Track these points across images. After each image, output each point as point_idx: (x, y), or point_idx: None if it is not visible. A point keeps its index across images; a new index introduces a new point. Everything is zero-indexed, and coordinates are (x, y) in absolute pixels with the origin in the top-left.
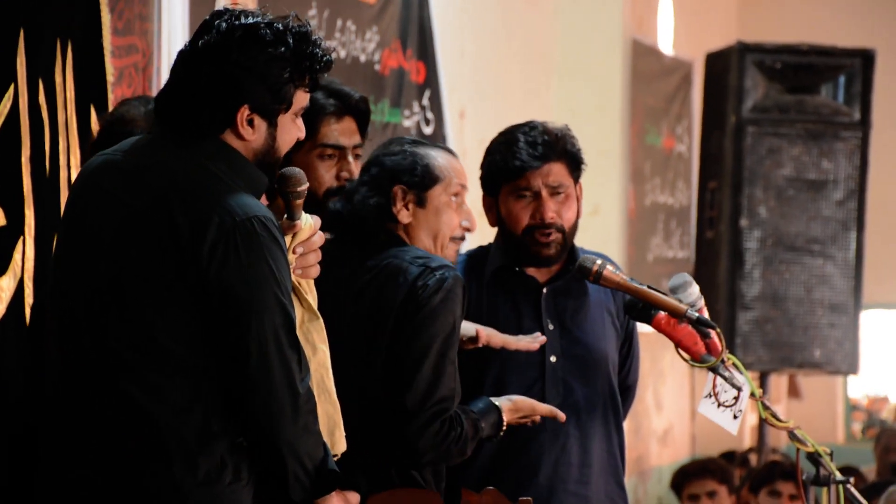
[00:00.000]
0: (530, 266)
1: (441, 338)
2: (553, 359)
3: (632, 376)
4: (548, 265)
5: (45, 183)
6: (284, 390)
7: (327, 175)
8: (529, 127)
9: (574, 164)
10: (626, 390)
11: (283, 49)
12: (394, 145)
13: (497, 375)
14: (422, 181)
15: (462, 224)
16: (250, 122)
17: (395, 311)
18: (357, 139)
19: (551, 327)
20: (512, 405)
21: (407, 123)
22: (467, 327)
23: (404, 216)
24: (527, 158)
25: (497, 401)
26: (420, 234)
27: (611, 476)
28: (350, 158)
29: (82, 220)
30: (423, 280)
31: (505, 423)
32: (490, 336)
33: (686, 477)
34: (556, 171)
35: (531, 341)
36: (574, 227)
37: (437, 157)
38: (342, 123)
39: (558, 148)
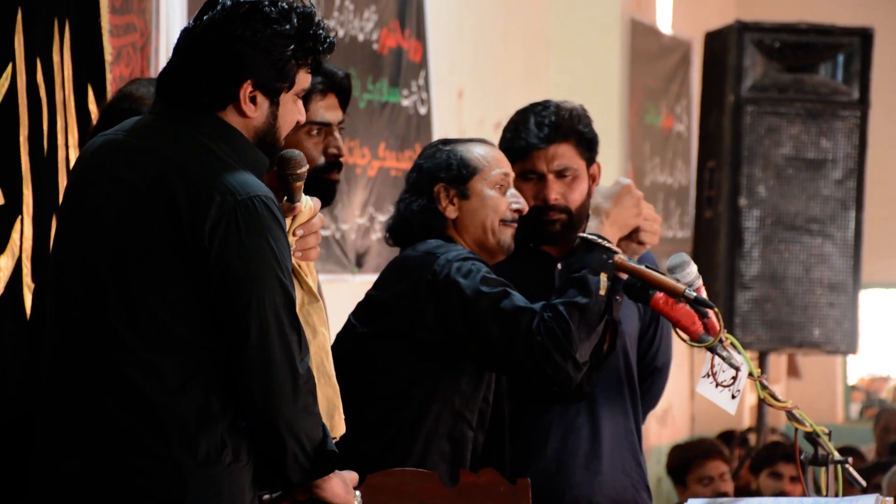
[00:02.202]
0: (540, 243)
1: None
2: None
3: (661, 357)
4: (554, 243)
5: (44, 162)
6: (284, 370)
7: (315, 151)
8: (543, 106)
9: (584, 144)
10: (655, 372)
11: (287, 27)
12: (428, 149)
13: None
14: (460, 174)
15: (512, 206)
16: (253, 100)
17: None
18: (340, 115)
19: None
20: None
21: (406, 103)
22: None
23: (451, 211)
24: (532, 140)
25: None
26: (469, 226)
27: (626, 452)
28: (336, 134)
29: (83, 200)
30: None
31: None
32: None
33: (691, 460)
34: (562, 153)
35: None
36: (583, 207)
37: (471, 148)
38: (327, 100)
39: (565, 128)
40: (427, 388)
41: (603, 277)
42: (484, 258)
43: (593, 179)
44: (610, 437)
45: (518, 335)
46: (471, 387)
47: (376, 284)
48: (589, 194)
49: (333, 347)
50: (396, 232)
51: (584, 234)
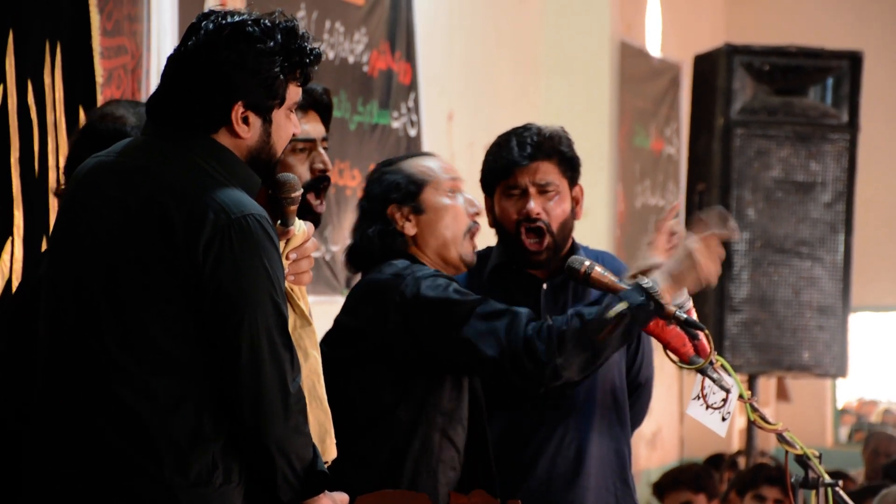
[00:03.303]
0: (525, 266)
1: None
2: None
3: (643, 373)
4: (540, 268)
5: (34, 184)
6: (276, 389)
7: (301, 168)
8: (524, 128)
9: (566, 163)
10: (639, 388)
11: (271, 44)
12: (374, 174)
13: None
14: (409, 190)
15: (469, 210)
16: (245, 120)
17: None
18: (323, 131)
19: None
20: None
21: (395, 125)
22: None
23: (409, 228)
24: (515, 157)
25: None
26: (430, 239)
27: (615, 472)
28: (320, 149)
29: (76, 221)
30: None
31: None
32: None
33: (662, 489)
34: (545, 169)
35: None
36: (565, 226)
37: (414, 163)
38: (308, 117)
39: (547, 147)
40: (411, 411)
41: (622, 305)
42: (449, 272)
43: (576, 202)
44: (597, 457)
45: (499, 333)
46: (453, 404)
47: (345, 309)
48: (572, 216)
49: None
50: (356, 258)
51: (570, 262)
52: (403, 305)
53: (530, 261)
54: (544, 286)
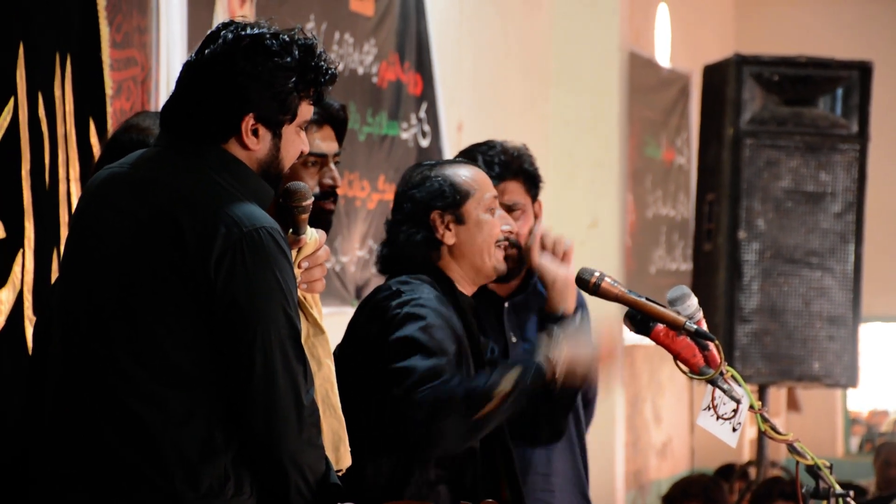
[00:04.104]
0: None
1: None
2: None
3: (591, 391)
4: (503, 281)
5: (45, 196)
6: (289, 402)
7: (311, 182)
8: (488, 146)
9: (531, 182)
10: (586, 405)
11: (288, 59)
12: (415, 175)
13: None
14: (454, 200)
15: (503, 228)
16: (255, 132)
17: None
18: (336, 147)
19: (514, 340)
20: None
21: (405, 136)
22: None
23: (448, 237)
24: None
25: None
26: (466, 251)
27: (575, 487)
28: (331, 165)
29: (89, 233)
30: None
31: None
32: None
33: (671, 501)
34: (512, 190)
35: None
36: (527, 244)
37: (458, 172)
38: (323, 131)
39: (514, 167)
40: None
41: (514, 373)
42: (480, 281)
43: (536, 217)
44: (562, 472)
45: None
46: None
47: (359, 321)
48: (530, 232)
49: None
50: (391, 262)
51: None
52: (389, 340)
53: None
54: (506, 304)
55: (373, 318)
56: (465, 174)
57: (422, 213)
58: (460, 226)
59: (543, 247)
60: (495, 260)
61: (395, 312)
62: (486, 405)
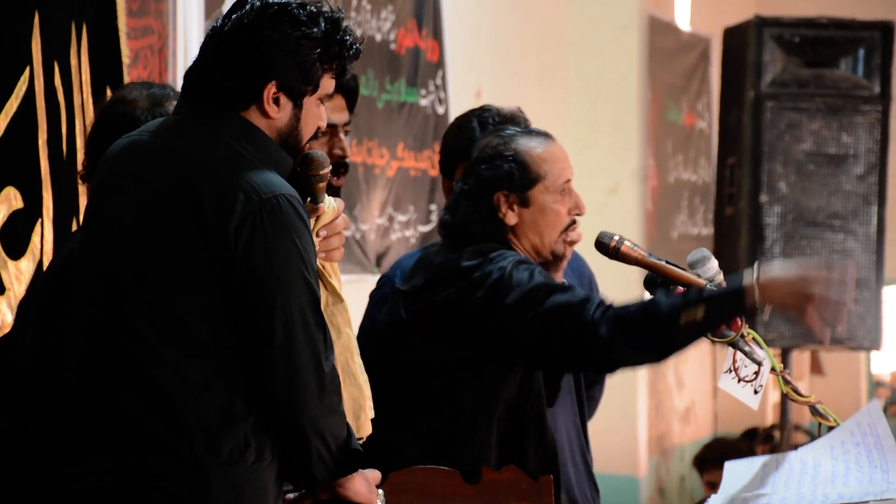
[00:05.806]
0: None
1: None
2: None
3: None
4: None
5: (62, 165)
6: (310, 369)
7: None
8: (484, 109)
9: None
10: (595, 383)
11: (315, 30)
12: (487, 148)
13: None
14: (521, 184)
15: (572, 212)
16: (276, 101)
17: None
18: (346, 116)
19: None
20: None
21: (423, 102)
22: None
23: (511, 218)
24: (477, 138)
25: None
26: (528, 232)
27: (577, 448)
28: (341, 135)
29: (107, 202)
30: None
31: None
32: None
33: (706, 463)
34: None
35: None
36: None
37: (533, 151)
38: (333, 102)
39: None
40: (476, 399)
41: (700, 310)
42: (538, 260)
43: None
44: (565, 435)
45: (568, 314)
46: (517, 396)
47: (418, 286)
48: None
49: (362, 343)
50: (455, 233)
51: (599, 236)
52: (490, 288)
53: None
54: None
55: (449, 280)
56: (540, 154)
57: (487, 192)
58: (524, 208)
59: None
60: (556, 246)
61: (491, 267)
62: (674, 328)
